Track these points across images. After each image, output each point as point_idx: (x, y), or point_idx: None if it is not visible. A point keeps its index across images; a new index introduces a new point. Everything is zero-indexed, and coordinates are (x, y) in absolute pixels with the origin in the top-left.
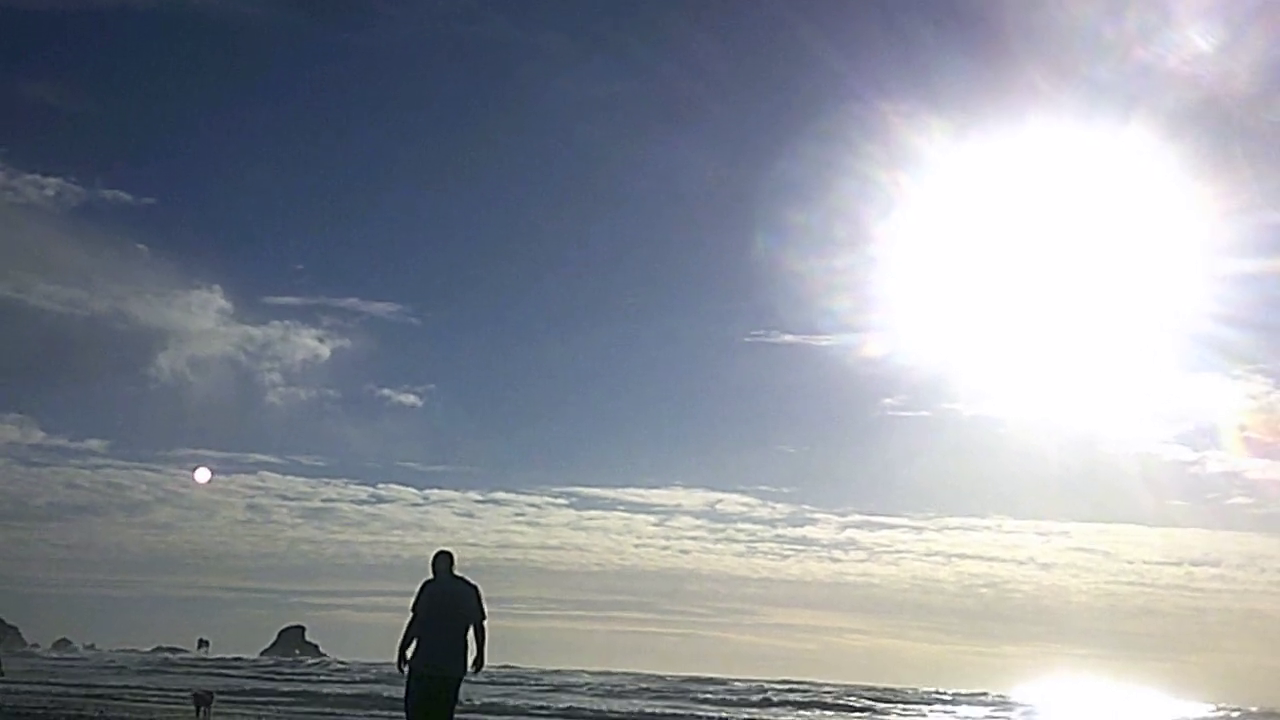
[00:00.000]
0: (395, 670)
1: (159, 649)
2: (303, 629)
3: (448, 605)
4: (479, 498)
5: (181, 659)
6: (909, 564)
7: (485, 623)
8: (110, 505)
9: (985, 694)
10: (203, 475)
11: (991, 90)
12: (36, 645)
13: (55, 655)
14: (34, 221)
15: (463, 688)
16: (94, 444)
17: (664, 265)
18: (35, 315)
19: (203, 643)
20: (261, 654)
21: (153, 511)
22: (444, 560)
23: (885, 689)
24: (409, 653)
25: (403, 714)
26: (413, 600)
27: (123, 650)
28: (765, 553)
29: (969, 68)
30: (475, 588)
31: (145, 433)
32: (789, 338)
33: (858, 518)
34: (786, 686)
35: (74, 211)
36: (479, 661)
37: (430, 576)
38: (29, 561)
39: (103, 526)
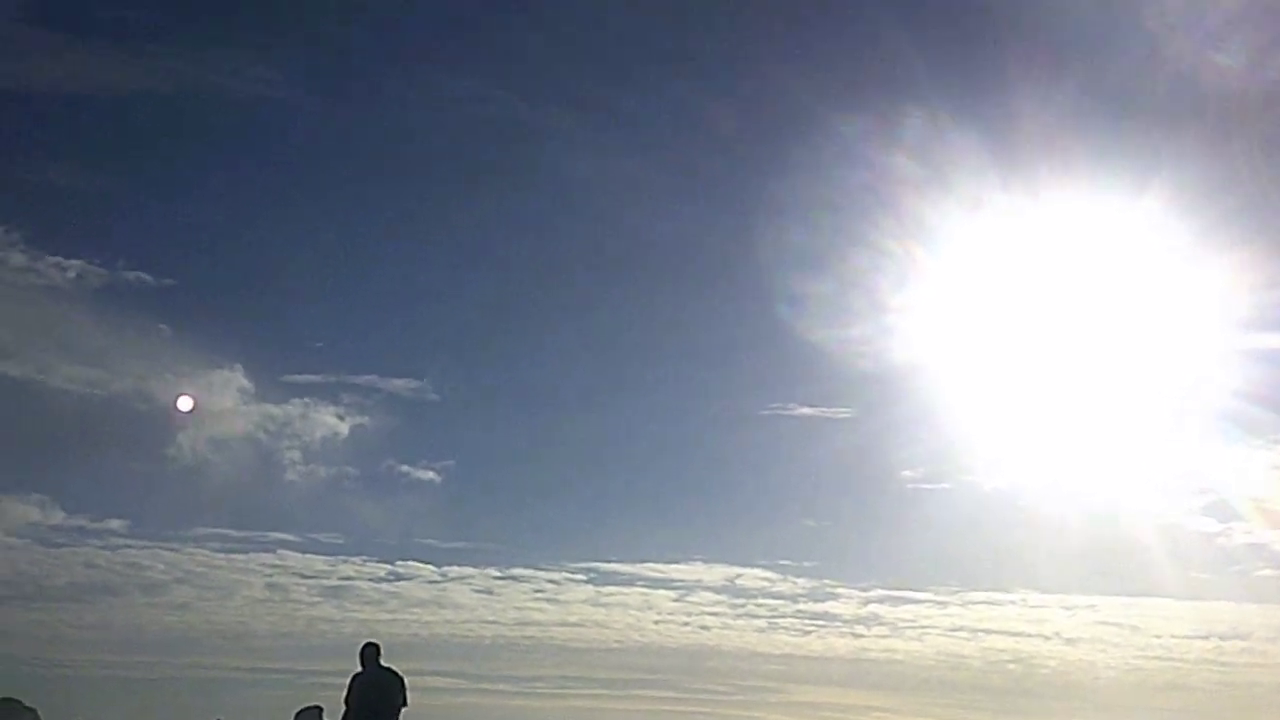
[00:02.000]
0: None
1: None
2: (320, 709)
3: (376, 694)
4: (498, 574)
5: None
6: (933, 639)
7: (405, 710)
8: (129, 585)
9: None
10: (185, 403)
11: (1008, 159)
12: None
13: None
14: (56, 303)
15: None
16: (114, 524)
17: (680, 338)
18: (57, 396)
19: None
20: None
21: (171, 591)
22: (371, 651)
23: None
24: None
25: None
26: (345, 694)
27: None
28: (787, 628)
29: (983, 138)
30: (400, 677)
31: (165, 512)
32: (806, 410)
33: (880, 592)
34: None
35: (96, 293)
36: None
37: (360, 669)
38: (48, 643)
39: (121, 607)
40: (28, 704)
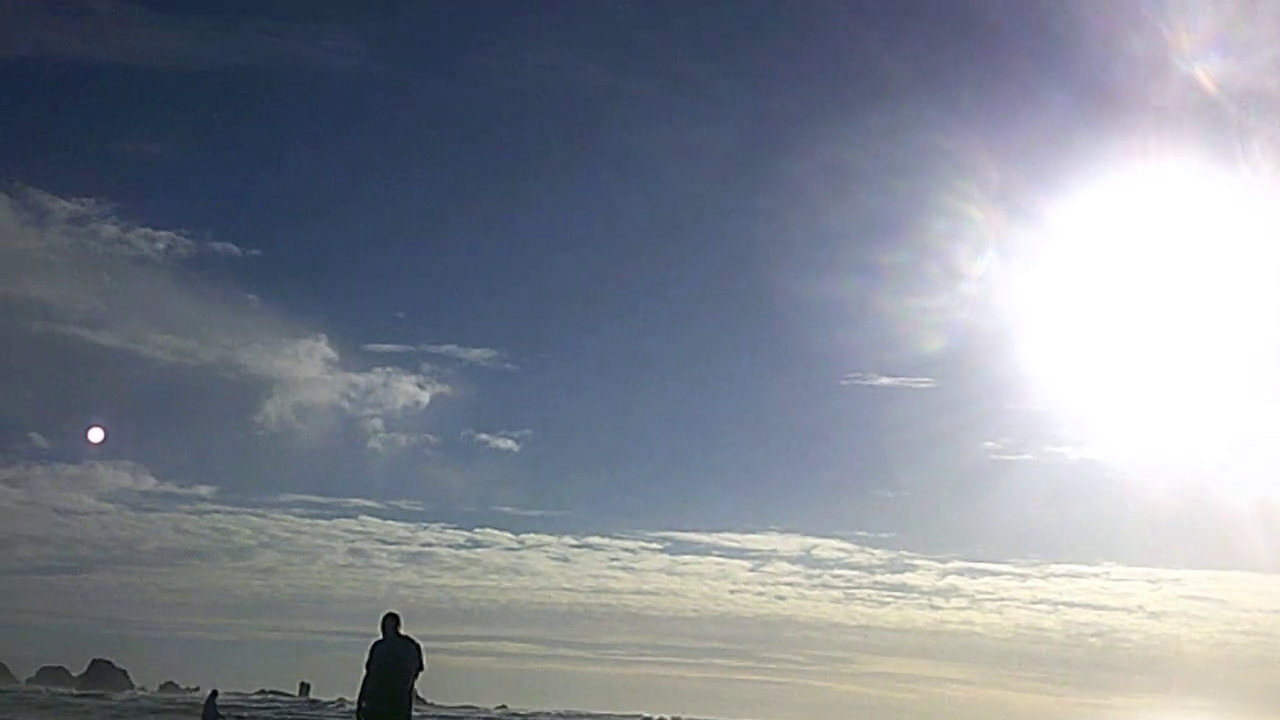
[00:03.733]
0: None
1: (262, 692)
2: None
3: (395, 662)
4: (574, 542)
5: (285, 702)
6: (1013, 612)
7: (422, 674)
8: (216, 550)
9: None
10: (96, 435)
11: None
12: (144, 688)
13: (164, 697)
14: (146, 274)
15: None
16: (202, 490)
17: (758, 307)
18: (148, 365)
19: (304, 686)
20: None
21: (257, 556)
22: (391, 622)
23: None
24: (364, 703)
25: None
26: (366, 659)
27: (226, 693)
28: (863, 599)
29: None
30: (418, 646)
31: (251, 479)
32: (886, 380)
33: (959, 564)
34: None
35: (185, 264)
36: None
37: (380, 638)
38: (138, 606)
39: (209, 571)
40: (118, 665)
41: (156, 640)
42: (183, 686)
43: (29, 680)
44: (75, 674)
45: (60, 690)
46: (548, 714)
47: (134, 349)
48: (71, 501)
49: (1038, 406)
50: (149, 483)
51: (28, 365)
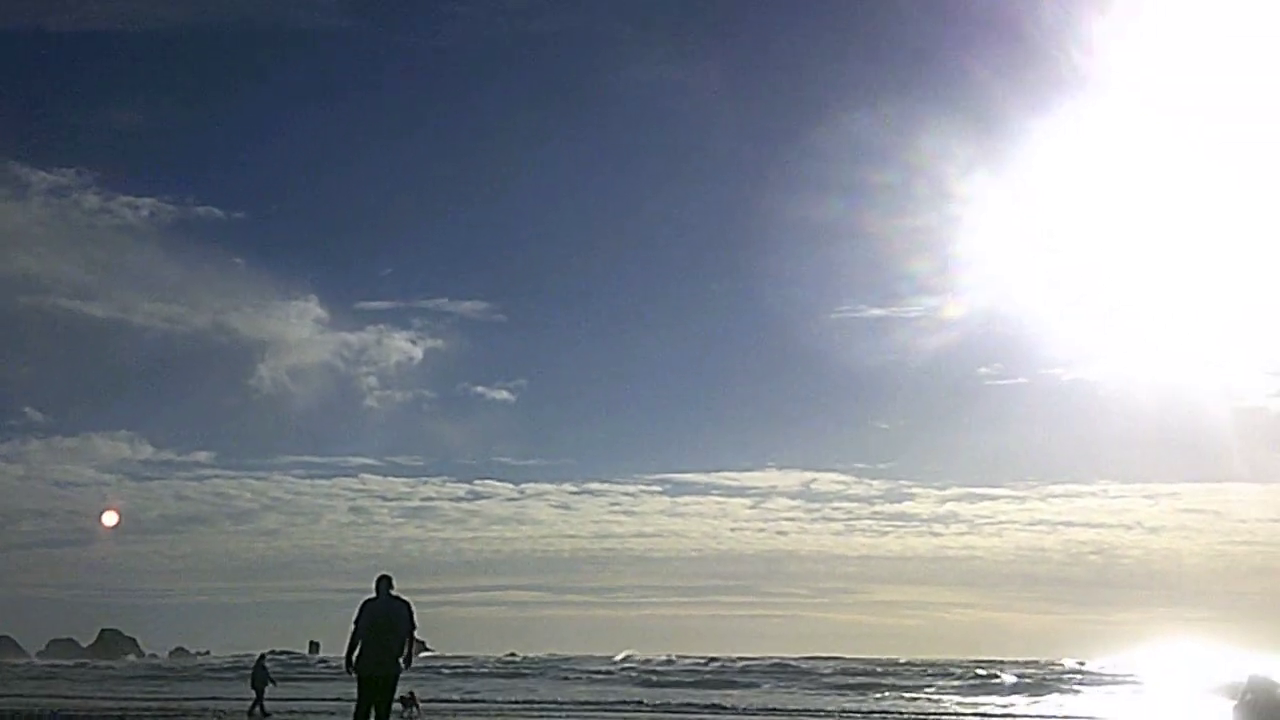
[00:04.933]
0: (498, 664)
1: (273, 652)
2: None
3: (386, 620)
4: (574, 489)
5: (298, 661)
6: (1013, 534)
7: (415, 632)
8: (218, 515)
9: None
10: (110, 519)
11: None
12: (155, 655)
13: (175, 664)
14: (132, 243)
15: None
16: (201, 456)
17: (744, 243)
18: (139, 333)
19: (314, 645)
20: None
21: (260, 519)
22: (384, 583)
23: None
24: (354, 657)
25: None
26: (355, 615)
27: (236, 655)
28: (864, 530)
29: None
30: (409, 604)
31: (249, 442)
32: (876, 311)
33: (957, 490)
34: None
35: (169, 229)
36: (407, 660)
37: (372, 596)
38: (144, 573)
39: (212, 536)
40: (127, 633)
41: (164, 607)
42: (193, 651)
43: (39, 653)
44: (85, 644)
45: (70, 662)
46: (557, 658)
47: (124, 318)
48: (71, 474)
49: (1030, 329)
50: (147, 451)
51: (18, 339)
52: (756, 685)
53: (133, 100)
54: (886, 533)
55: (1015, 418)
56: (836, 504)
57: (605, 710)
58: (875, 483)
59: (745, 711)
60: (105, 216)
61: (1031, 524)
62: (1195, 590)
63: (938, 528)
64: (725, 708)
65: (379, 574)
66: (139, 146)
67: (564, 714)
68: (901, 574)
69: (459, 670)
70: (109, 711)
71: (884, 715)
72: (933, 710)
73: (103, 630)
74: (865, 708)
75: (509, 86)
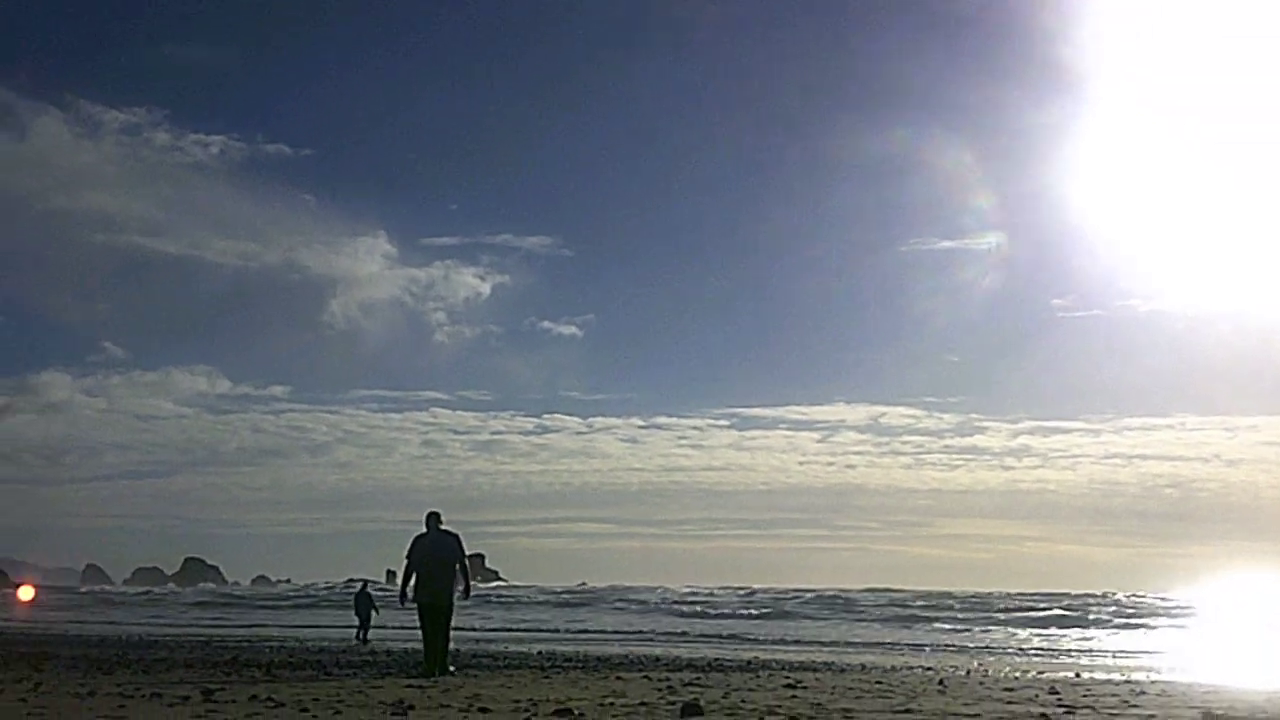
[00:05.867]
0: (567, 594)
1: (350, 580)
2: (483, 556)
3: (437, 552)
4: (641, 423)
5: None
6: (1087, 468)
7: (466, 561)
8: (295, 447)
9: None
10: (26, 593)
11: None
12: (237, 583)
13: (257, 592)
14: (203, 180)
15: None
16: (277, 390)
17: (812, 178)
18: (214, 270)
19: (390, 574)
20: None
21: (334, 451)
22: (433, 518)
23: (1066, 594)
24: (410, 588)
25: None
26: (407, 550)
27: (314, 584)
28: (934, 464)
29: None
30: (457, 536)
31: (323, 376)
32: (947, 243)
33: (1030, 424)
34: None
35: (239, 167)
36: (466, 591)
37: (423, 530)
38: (224, 505)
39: (289, 468)
40: (210, 562)
41: (244, 536)
42: (273, 579)
43: (126, 581)
44: (169, 572)
45: (156, 589)
46: (625, 588)
47: (197, 255)
48: (151, 407)
49: (1105, 260)
50: (224, 385)
51: (96, 277)
52: (806, 617)
53: (202, 38)
54: (957, 466)
55: (1090, 350)
56: (906, 438)
57: (630, 636)
58: (946, 416)
59: (769, 642)
60: (176, 154)
61: (1106, 457)
62: (1273, 524)
63: (1010, 461)
64: (747, 638)
65: (429, 511)
66: (208, 84)
67: (580, 641)
68: (972, 508)
69: (509, 600)
70: (195, 637)
71: (918, 646)
72: (969, 643)
73: (186, 559)
74: (897, 638)
75: (577, 26)
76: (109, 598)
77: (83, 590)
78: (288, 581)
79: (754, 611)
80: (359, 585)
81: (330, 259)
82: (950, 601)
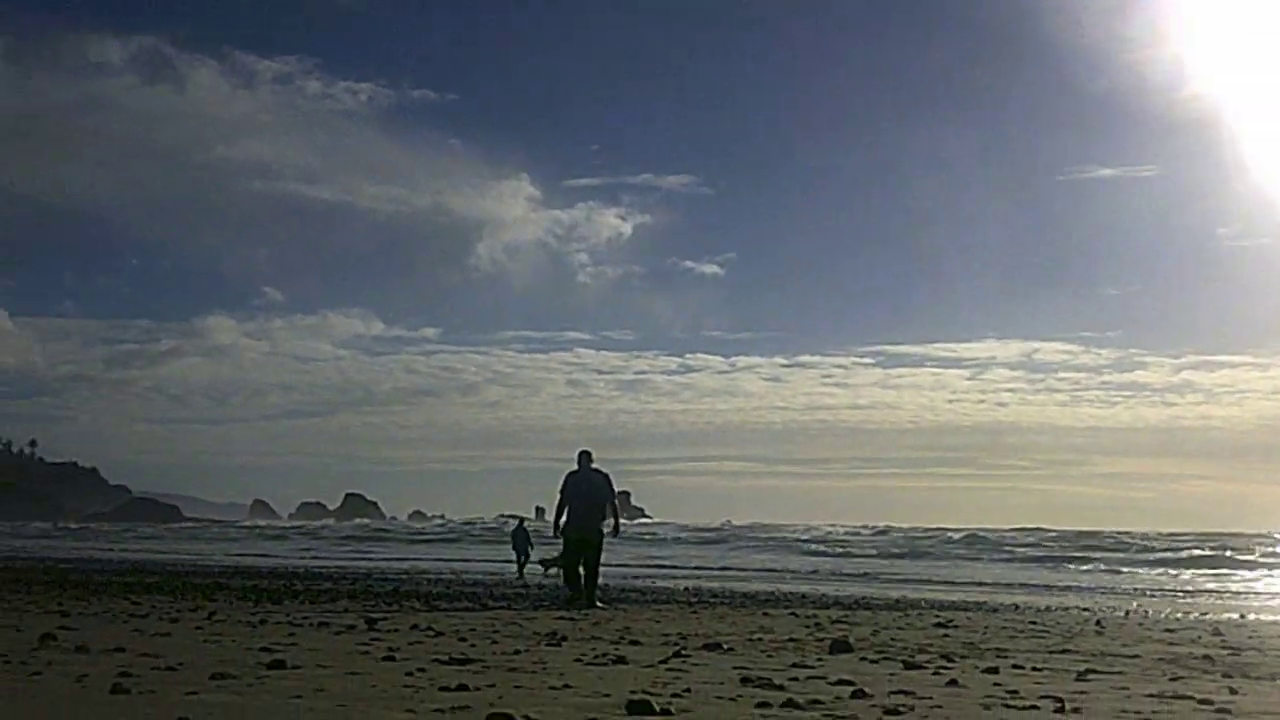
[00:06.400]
0: (711, 531)
1: (501, 516)
2: (628, 494)
3: (588, 489)
4: (785, 362)
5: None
6: (1254, 404)
7: (615, 499)
8: (446, 387)
9: None
10: None
11: None
12: (394, 517)
13: (413, 526)
14: (354, 126)
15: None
16: (429, 332)
17: (965, 106)
18: (365, 215)
19: (540, 511)
20: None
21: (483, 391)
22: (584, 456)
23: (1231, 535)
24: (561, 523)
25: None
26: (560, 486)
27: (468, 520)
28: (1091, 401)
29: None
30: (607, 475)
31: (472, 318)
32: (1107, 171)
33: (1194, 358)
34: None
35: (387, 113)
36: (615, 528)
37: (574, 468)
38: (380, 443)
39: (441, 407)
40: (369, 497)
41: (401, 473)
42: (429, 515)
43: (290, 515)
44: (331, 507)
45: (319, 522)
46: (768, 526)
47: (350, 201)
48: (310, 349)
49: (1271, 187)
50: (379, 328)
51: (255, 224)
52: (954, 557)
53: None
54: (1115, 403)
55: (1257, 281)
56: (1061, 374)
57: (776, 574)
58: (1103, 351)
59: (918, 582)
60: (327, 102)
61: (1274, 392)
62: None
63: (1171, 397)
64: (895, 577)
65: (580, 448)
66: (356, 32)
67: (725, 578)
68: (1131, 445)
69: (653, 538)
70: (355, 570)
71: (1073, 588)
72: (1128, 584)
73: (347, 494)
74: (1052, 579)
75: None
76: (275, 532)
77: (248, 524)
78: (441, 517)
79: (899, 551)
80: (515, 522)
81: (476, 202)
82: (1107, 541)
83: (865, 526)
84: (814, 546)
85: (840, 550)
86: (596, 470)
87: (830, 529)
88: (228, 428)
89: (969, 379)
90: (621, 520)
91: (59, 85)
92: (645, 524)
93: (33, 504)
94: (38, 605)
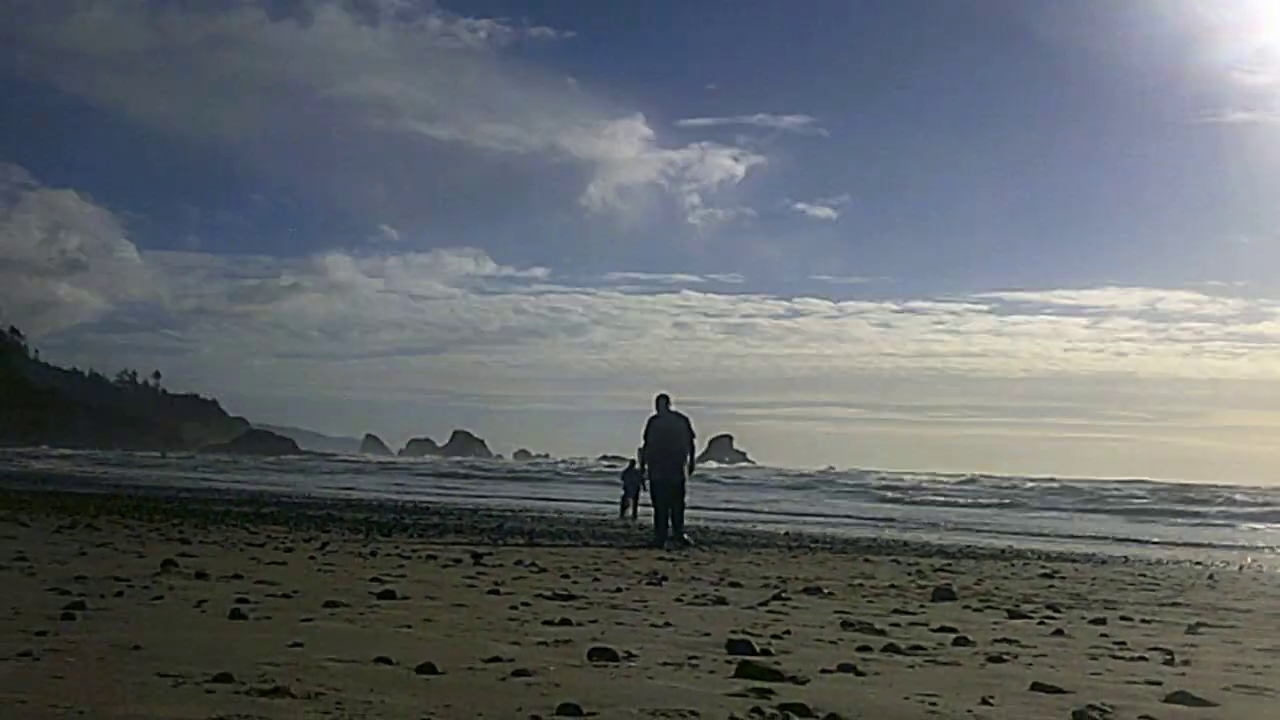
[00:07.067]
0: (809, 476)
1: (604, 458)
2: (730, 438)
3: (669, 433)
4: (895, 308)
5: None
6: None
7: (695, 441)
8: (553, 328)
9: None
10: None
11: None
12: (500, 456)
13: (519, 465)
14: (472, 65)
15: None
16: (538, 272)
17: (1087, 48)
18: (480, 154)
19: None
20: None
21: (590, 332)
22: (664, 401)
23: None
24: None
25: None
26: (643, 431)
27: (570, 459)
28: (1214, 352)
29: None
30: (687, 419)
31: (580, 259)
32: (1241, 115)
33: None
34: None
35: (505, 51)
36: (691, 468)
37: (655, 413)
38: (488, 381)
39: (547, 347)
40: (476, 435)
41: (507, 412)
42: (534, 454)
43: (400, 451)
44: (440, 444)
45: (427, 458)
46: (873, 473)
47: (466, 140)
48: (423, 287)
49: None
50: (490, 267)
51: (374, 161)
52: (1063, 509)
53: None
54: (1240, 354)
55: None
56: (1184, 324)
57: (878, 521)
58: (1230, 301)
59: (1024, 533)
60: (447, 39)
61: None
62: None
63: None
64: (1003, 530)
65: (658, 393)
66: None
67: (825, 523)
68: (1256, 398)
69: (753, 483)
70: (462, 506)
71: (1190, 544)
72: (1243, 540)
73: (455, 431)
74: (1170, 534)
75: None
76: (386, 466)
77: (358, 458)
78: (546, 457)
79: (1007, 501)
80: (627, 463)
81: (590, 142)
82: (1226, 494)
83: (982, 474)
84: (919, 494)
85: (946, 500)
86: (676, 414)
87: (933, 478)
88: (342, 363)
89: (1087, 327)
90: (724, 463)
91: (188, 21)
92: (745, 467)
93: (156, 435)
94: (159, 533)
